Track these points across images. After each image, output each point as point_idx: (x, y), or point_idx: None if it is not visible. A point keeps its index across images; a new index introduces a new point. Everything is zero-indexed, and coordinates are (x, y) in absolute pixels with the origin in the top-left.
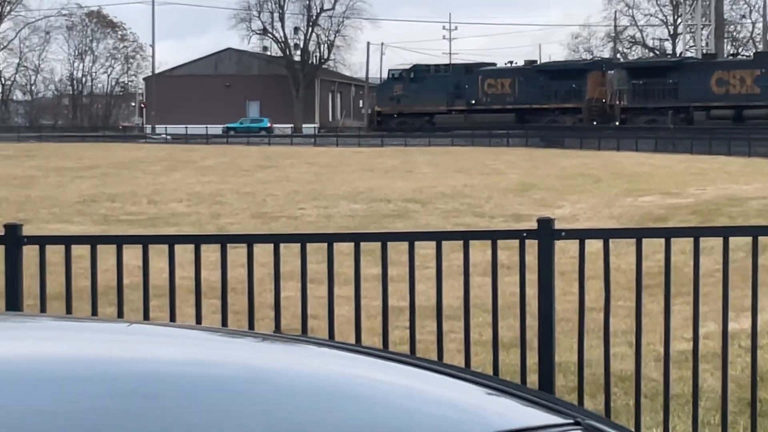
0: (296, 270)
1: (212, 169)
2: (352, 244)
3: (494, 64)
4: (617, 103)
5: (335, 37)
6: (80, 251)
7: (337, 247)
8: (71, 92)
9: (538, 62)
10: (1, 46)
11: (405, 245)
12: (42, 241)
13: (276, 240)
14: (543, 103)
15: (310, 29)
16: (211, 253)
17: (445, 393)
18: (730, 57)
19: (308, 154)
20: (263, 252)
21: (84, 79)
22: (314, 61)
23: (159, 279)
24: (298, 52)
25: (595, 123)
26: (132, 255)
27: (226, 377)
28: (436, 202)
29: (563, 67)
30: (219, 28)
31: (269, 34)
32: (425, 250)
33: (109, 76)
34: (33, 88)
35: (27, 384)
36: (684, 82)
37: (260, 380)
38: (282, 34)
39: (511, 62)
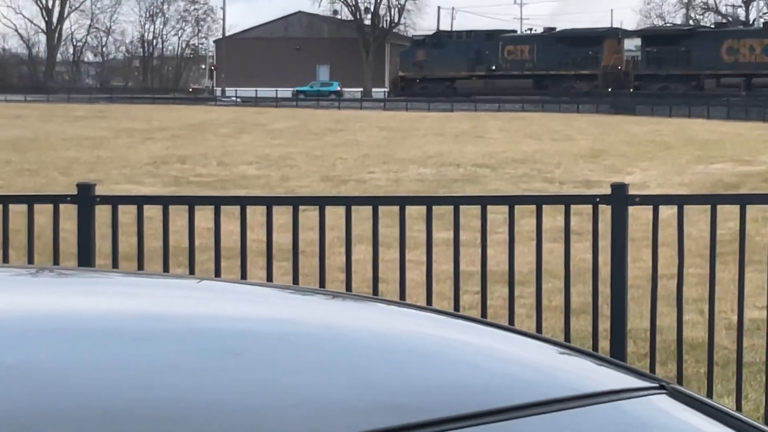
0: (364, 234)
1: (282, 133)
2: (422, 208)
3: (515, 31)
4: (631, 69)
5: (406, 0)
6: (150, 212)
7: (407, 211)
8: (142, 54)
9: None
10: (73, 8)
11: (473, 210)
12: (114, 201)
13: (348, 202)
14: (560, 70)
15: None
16: (279, 216)
17: (523, 354)
18: (740, 26)
19: (378, 117)
20: (332, 215)
21: (155, 41)
22: (384, 25)
23: (228, 241)
24: (369, 16)
25: (609, 89)
26: (201, 217)
27: (307, 334)
28: (505, 167)
29: (580, 35)
30: None
31: None
32: (493, 215)
33: (179, 38)
34: (104, 49)
35: (106, 339)
36: (695, 50)
37: (340, 338)
38: None
39: (530, 29)
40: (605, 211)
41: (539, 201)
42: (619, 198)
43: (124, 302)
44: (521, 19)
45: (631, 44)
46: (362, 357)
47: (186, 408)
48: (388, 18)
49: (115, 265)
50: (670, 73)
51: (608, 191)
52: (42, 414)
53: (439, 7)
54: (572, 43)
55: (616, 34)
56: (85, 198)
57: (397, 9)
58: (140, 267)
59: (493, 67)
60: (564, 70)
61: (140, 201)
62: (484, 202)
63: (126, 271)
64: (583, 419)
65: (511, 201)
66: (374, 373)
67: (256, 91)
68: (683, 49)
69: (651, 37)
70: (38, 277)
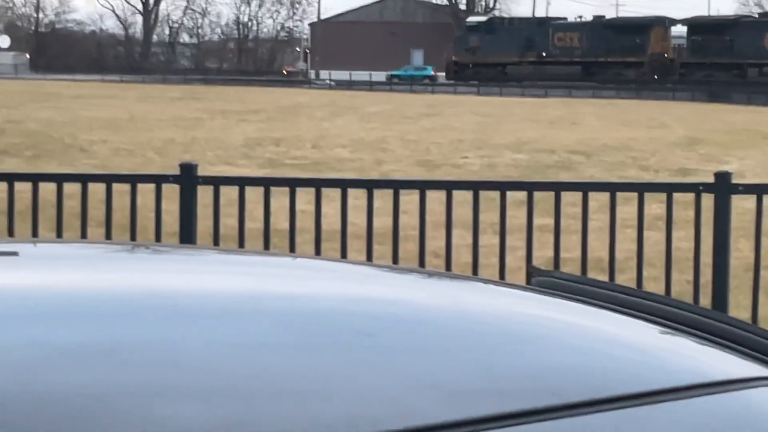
0: (458, 218)
1: (376, 116)
2: (515, 193)
3: (565, 18)
4: (677, 57)
5: None
6: (236, 193)
7: (491, 195)
8: (237, 36)
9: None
10: None
11: (566, 197)
12: (216, 182)
13: (448, 186)
14: (608, 57)
15: None
16: (364, 200)
17: (644, 338)
18: None
19: (471, 102)
20: (417, 199)
21: (250, 23)
22: (479, 10)
23: (323, 223)
24: (464, 1)
25: (656, 77)
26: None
27: (430, 316)
28: (600, 154)
29: (628, 23)
30: None
31: None
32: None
33: (274, 20)
34: (199, 31)
35: (230, 318)
36: (739, 40)
37: (462, 319)
38: None
39: (580, 17)
40: (700, 200)
41: (641, 188)
42: (723, 187)
43: (242, 281)
44: (617, 5)
45: (678, 33)
46: (485, 339)
47: (318, 387)
48: (483, 3)
49: (216, 245)
50: (714, 61)
51: (705, 179)
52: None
53: None
54: (620, 31)
55: (663, 23)
56: (188, 178)
57: None
58: (241, 247)
59: (543, 54)
60: (611, 57)
61: (242, 182)
62: (585, 188)
63: (235, 250)
64: (712, 407)
65: (613, 188)
66: (498, 356)
67: (350, 74)
68: (728, 38)
69: (696, 25)
70: (154, 255)
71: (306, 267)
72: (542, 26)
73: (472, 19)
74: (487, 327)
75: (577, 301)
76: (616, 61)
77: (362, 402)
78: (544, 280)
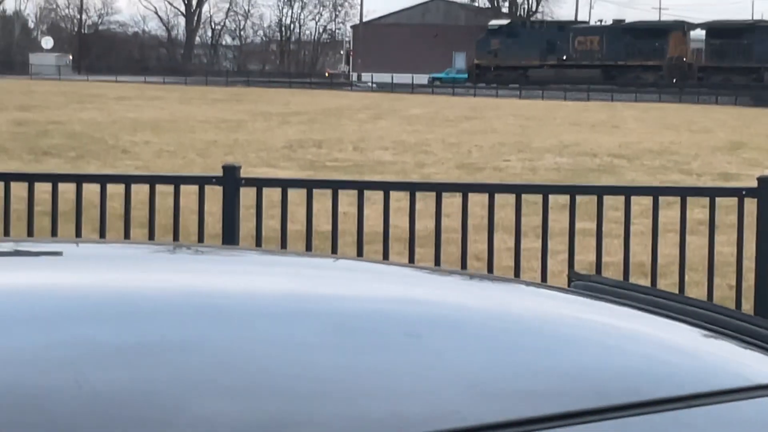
0: (499, 222)
1: (418, 119)
2: (555, 197)
3: (586, 23)
4: (695, 61)
5: None
6: (278, 195)
7: (532, 198)
8: (279, 38)
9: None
10: None
11: (608, 201)
12: (259, 184)
13: (491, 189)
14: (627, 60)
15: None
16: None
17: (689, 341)
18: None
19: (513, 106)
20: (459, 202)
21: (292, 26)
22: (522, 13)
23: (365, 225)
24: (506, 4)
25: (675, 80)
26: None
27: (476, 317)
28: (642, 158)
29: (647, 27)
30: None
31: None
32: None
33: (317, 23)
34: (242, 33)
35: (278, 319)
36: (757, 44)
37: (505, 321)
38: None
39: (600, 21)
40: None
41: (683, 193)
42: (766, 191)
43: (287, 282)
44: (660, 9)
45: (697, 37)
46: (529, 340)
47: (363, 388)
48: (526, 6)
49: (258, 246)
50: (732, 65)
51: (747, 184)
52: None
53: None
54: (639, 35)
55: (682, 27)
56: (231, 180)
57: None
58: (283, 249)
59: (564, 57)
60: (630, 61)
61: (284, 184)
62: (628, 192)
63: (279, 251)
64: (754, 411)
65: (656, 192)
66: (542, 357)
67: (392, 77)
68: (745, 42)
69: (715, 30)
70: (199, 256)
71: (350, 269)
72: (563, 30)
73: (493, 22)
74: (531, 329)
75: (618, 304)
76: (635, 64)
77: (407, 403)
78: (584, 285)
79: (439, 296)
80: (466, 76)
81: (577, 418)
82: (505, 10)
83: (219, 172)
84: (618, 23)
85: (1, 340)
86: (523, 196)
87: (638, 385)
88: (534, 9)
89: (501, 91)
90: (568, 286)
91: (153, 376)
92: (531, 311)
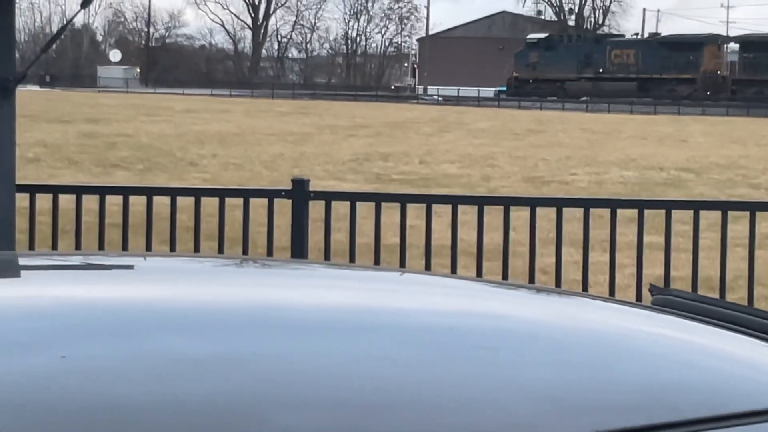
0: (566, 235)
1: (484, 132)
2: (623, 210)
3: (623, 36)
4: (729, 74)
5: (611, 2)
6: (344, 208)
7: (598, 212)
8: (345, 51)
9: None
10: (279, 4)
11: (674, 215)
12: (327, 197)
13: (559, 204)
14: (662, 74)
15: None
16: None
17: (755, 357)
18: None
19: (579, 119)
20: (526, 215)
21: (358, 39)
22: (588, 27)
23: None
24: (573, 17)
25: (708, 93)
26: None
27: (547, 331)
28: (709, 171)
29: (682, 40)
30: None
31: None
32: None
33: (383, 36)
34: (308, 46)
35: (350, 332)
36: None
37: (577, 335)
38: None
39: (636, 35)
40: None
41: (753, 207)
42: None
43: (360, 296)
44: (727, 22)
45: (732, 50)
46: (603, 354)
47: (437, 400)
48: (593, 19)
49: (327, 259)
50: (765, 78)
51: None
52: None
53: (644, 9)
54: (674, 48)
55: (716, 40)
56: (300, 193)
57: (601, 10)
58: (351, 262)
59: (601, 70)
60: (665, 74)
61: (353, 197)
62: (696, 207)
63: (352, 265)
64: None
65: (725, 207)
66: (616, 371)
67: (458, 90)
68: None
69: (748, 43)
70: (271, 269)
71: (421, 282)
72: (600, 43)
73: (532, 35)
74: (604, 343)
75: (696, 319)
76: (669, 77)
77: (482, 416)
78: (663, 298)
79: (515, 310)
80: None
81: (649, 431)
82: (571, 23)
83: (286, 185)
84: (654, 36)
85: (81, 352)
86: (590, 209)
87: (713, 399)
88: (601, 22)
89: (567, 105)
90: (637, 298)
91: (228, 388)
92: (606, 325)
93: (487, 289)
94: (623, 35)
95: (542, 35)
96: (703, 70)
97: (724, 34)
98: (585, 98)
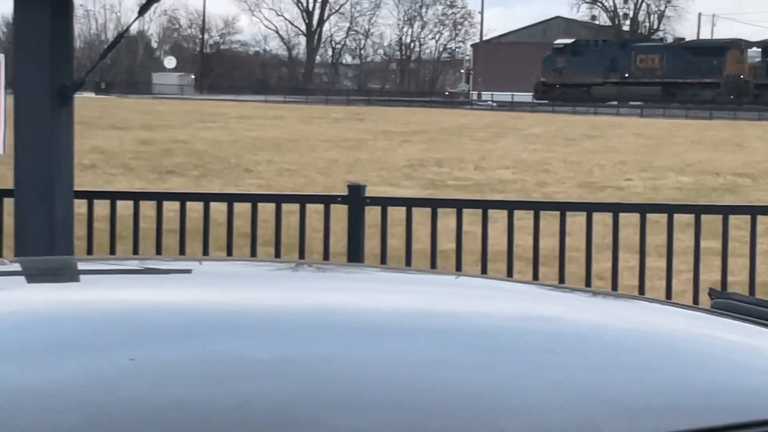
0: (622, 241)
1: (538, 137)
2: (681, 216)
3: (647, 40)
4: (752, 79)
5: (666, 7)
6: (400, 214)
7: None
8: (399, 57)
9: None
10: (333, 11)
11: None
12: (383, 203)
13: (615, 209)
14: (686, 78)
15: None
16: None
17: None
18: None
19: (635, 124)
20: (581, 221)
21: (412, 45)
22: (643, 31)
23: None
24: (628, 22)
25: (732, 97)
26: (451, 220)
27: (610, 334)
28: (766, 177)
29: (706, 45)
30: None
31: (598, 3)
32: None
33: (437, 41)
34: (362, 52)
35: (409, 335)
36: None
37: (639, 338)
38: (611, 3)
39: (661, 39)
40: None
41: None
42: None
43: (420, 300)
44: None
45: (755, 55)
46: (666, 358)
47: (501, 404)
48: (647, 24)
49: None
50: None
51: None
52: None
53: (699, 14)
54: (698, 53)
55: (739, 45)
56: (356, 199)
57: (656, 15)
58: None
59: (626, 75)
60: (689, 78)
61: (408, 203)
62: (754, 212)
63: (409, 269)
64: None
65: None
66: (680, 375)
67: (512, 95)
68: None
69: None
70: (329, 273)
71: (478, 285)
72: (625, 48)
73: (558, 41)
74: (666, 345)
75: (757, 322)
76: (693, 81)
77: (546, 419)
78: (723, 302)
79: (575, 313)
80: None
81: None
82: (626, 27)
83: (340, 191)
84: (678, 41)
85: (148, 355)
86: (646, 215)
87: None
88: (656, 27)
89: (622, 110)
90: (700, 304)
91: (291, 389)
92: (667, 328)
93: (545, 292)
94: (648, 39)
95: (569, 40)
96: (727, 74)
97: (734, 38)
98: (614, 102)
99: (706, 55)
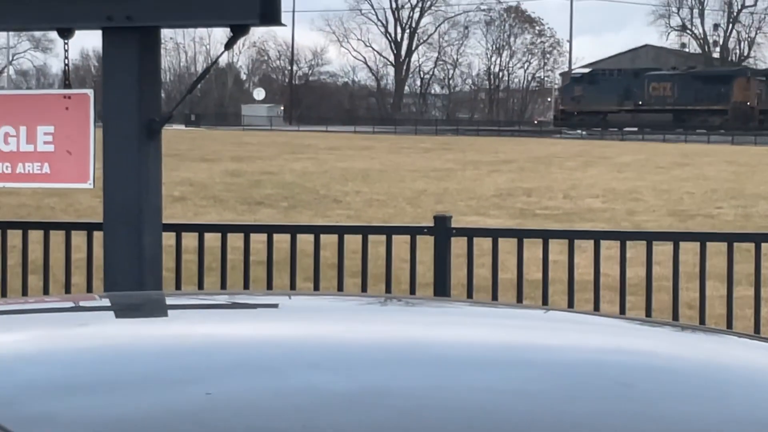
0: (710, 269)
1: (628, 166)
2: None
3: (660, 69)
4: (758, 105)
5: (756, 34)
6: (487, 243)
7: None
8: (488, 86)
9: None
10: (421, 41)
11: None
12: (470, 233)
13: (702, 238)
14: (696, 105)
15: (730, 26)
16: (616, 250)
17: None
18: None
19: (725, 151)
20: (670, 250)
21: (501, 74)
22: (733, 59)
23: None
24: (717, 49)
25: (739, 123)
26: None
27: (685, 367)
28: None
29: (714, 73)
30: (637, 24)
31: (688, 31)
32: None
33: (525, 71)
34: (450, 81)
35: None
36: None
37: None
38: (701, 31)
39: (674, 68)
40: None
41: None
42: None
43: (500, 333)
44: None
45: (759, 82)
46: (740, 392)
47: None
48: (738, 51)
49: (469, 296)
50: None
51: None
52: None
53: None
54: (707, 81)
55: (746, 73)
56: (442, 229)
57: (746, 42)
58: (494, 298)
59: (640, 102)
60: (699, 105)
61: (495, 233)
62: None
63: (490, 302)
64: None
65: None
66: (754, 409)
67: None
68: None
69: None
70: (415, 307)
71: (562, 319)
72: (638, 77)
73: (576, 70)
74: (739, 380)
75: None
76: (702, 108)
77: None
78: None
79: (651, 347)
80: None
81: None
82: (716, 55)
83: (429, 221)
84: (688, 70)
85: (227, 389)
86: (735, 243)
87: None
88: (746, 54)
89: (713, 137)
90: None
91: (372, 422)
92: (749, 362)
93: (628, 326)
94: (660, 69)
95: (586, 70)
96: (734, 101)
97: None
98: (630, 128)
99: (714, 83)
